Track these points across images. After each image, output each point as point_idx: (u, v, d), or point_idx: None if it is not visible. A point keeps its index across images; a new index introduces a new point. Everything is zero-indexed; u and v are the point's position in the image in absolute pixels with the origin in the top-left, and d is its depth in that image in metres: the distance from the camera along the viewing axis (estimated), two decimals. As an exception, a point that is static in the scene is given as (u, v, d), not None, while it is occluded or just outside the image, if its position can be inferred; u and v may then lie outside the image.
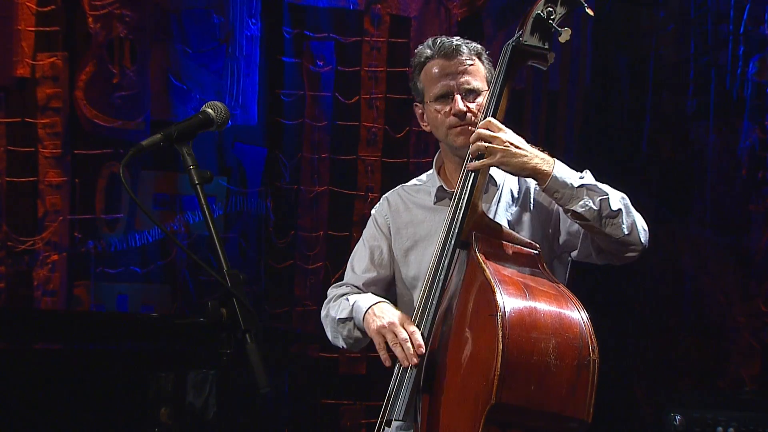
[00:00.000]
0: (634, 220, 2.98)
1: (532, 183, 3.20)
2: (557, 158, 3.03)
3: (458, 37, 3.24)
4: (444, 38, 3.23)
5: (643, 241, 3.01)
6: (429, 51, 3.22)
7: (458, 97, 3.15)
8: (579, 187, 2.96)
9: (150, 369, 4.46)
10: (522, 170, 2.95)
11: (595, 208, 2.94)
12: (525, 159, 2.94)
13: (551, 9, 3.08)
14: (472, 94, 3.16)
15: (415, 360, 2.89)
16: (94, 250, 5.90)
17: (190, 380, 4.48)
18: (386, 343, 2.97)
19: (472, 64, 3.18)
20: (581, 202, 2.94)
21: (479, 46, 3.23)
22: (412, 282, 3.27)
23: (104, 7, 5.94)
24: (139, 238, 5.95)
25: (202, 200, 2.45)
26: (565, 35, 3.06)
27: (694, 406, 5.00)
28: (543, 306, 2.78)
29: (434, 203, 3.27)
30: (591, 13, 3.12)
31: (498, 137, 2.95)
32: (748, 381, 5.76)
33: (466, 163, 3.02)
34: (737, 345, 5.84)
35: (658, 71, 6.09)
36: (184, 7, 6.09)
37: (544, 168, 2.95)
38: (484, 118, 3.06)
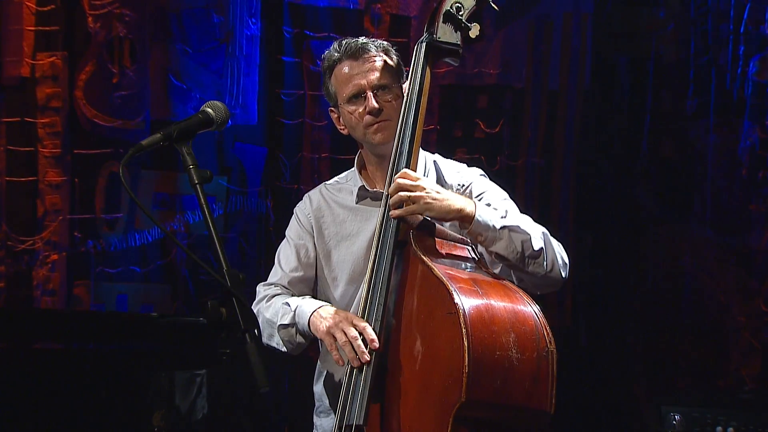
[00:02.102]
0: (554, 256, 3.00)
1: (454, 181, 3.21)
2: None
3: (364, 37, 3.26)
4: (350, 39, 3.24)
5: (563, 276, 3.03)
6: (336, 54, 3.23)
7: (370, 95, 3.16)
8: (501, 228, 2.95)
9: (149, 369, 4.46)
10: (447, 214, 2.95)
11: (519, 250, 2.95)
12: (448, 203, 2.94)
13: (459, 5, 3.11)
14: (383, 90, 3.17)
15: (366, 357, 2.87)
16: (93, 249, 5.90)
17: (189, 380, 4.47)
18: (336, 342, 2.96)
19: (380, 61, 3.19)
20: (504, 245, 2.94)
21: (386, 42, 3.26)
22: (334, 282, 3.26)
23: (104, 6, 5.94)
24: (139, 238, 5.95)
25: (202, 200, 2.45)
26: (474, 30, 3.11)
27: (693, 405, 4.99)
28: (497, 301, 2.81)
29: (356, 203, 3.28)
30: (496, 8, 3.16)
31: (418, 185, 2.95)
32: (748, 381, 5.76)
33: (388, 211, 3.00)
34: (737, 345, 5.84)
35: (658, 71, 6.08)
36: (184, 6, 6.09)
37: (468, 210, 2.94)
38: (404, 118, 3.08)
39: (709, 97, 5.97)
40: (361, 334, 2.91)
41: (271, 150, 6.18)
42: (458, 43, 3.12)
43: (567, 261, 3.04)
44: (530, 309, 2.83)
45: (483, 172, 3.28)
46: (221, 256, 2.38)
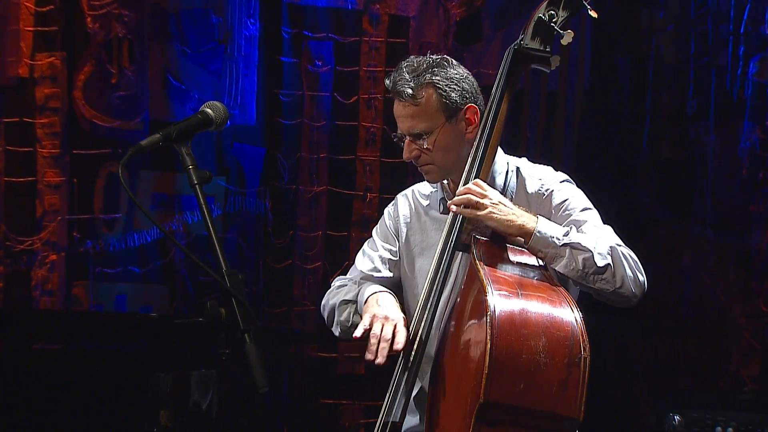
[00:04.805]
0: (624, 271, 2.92)
1: (534, 188, 3.17)
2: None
3: (415, 66, 3.14)
4: (399, 72, 3.14)
5: (634, 292, 2.95)
6: (389, 84, 3.16)
7: (406, 145, 3.14)
8: (562, 246, 2.92)
9: (148, 369, 4.46)
10: (509, 227, 2.94)
11: (579, 268, 2.91)
12: (512, 217, 2.94)
13: (553, 12, 3.06)
14: (419, 137, 3.11)
15: (380, 360, 2.91)
16: (92, 250, 5.90)
17: (190, 381, 4.47)
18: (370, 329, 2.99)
19: (417, 106, 3.10)
20: (564, 262, 2.91)
21: (437, 74, 3.12)
22: (413, 290, 3.26)
23: (103, 7, 5.94)
24: (138, 238, 5.95)
25: (201, 200, 2.44)
26: (567, 38, 3.03)
27: (693, 406, 4.99)
28: (535, 305, 2.79)
29: (441, 212, 3.26)
30: (594, 15, 3.10)
31: (487, 194, 2.95)
32: (748, 381, 5.75)
33: (452, 222, 3.02)
34: (737, 345, 5.84)
35: (658, 71, 6.08)
36: (183, 7, 6.08)
37: (529, 226, 2.93)
38: (485, 121, 3.05)
39: (709, 97, 5.96)
40: (393, 337, 2.95)
41: (269, 150, 6.18)
42: (548, 50, 3.06)
43: (641, 278, 2.96)
44: (570, 314, 2.80)
45: (567, 178, 3.21)
46: (220, 256, 2.37)
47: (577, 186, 3.19)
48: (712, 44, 5.98)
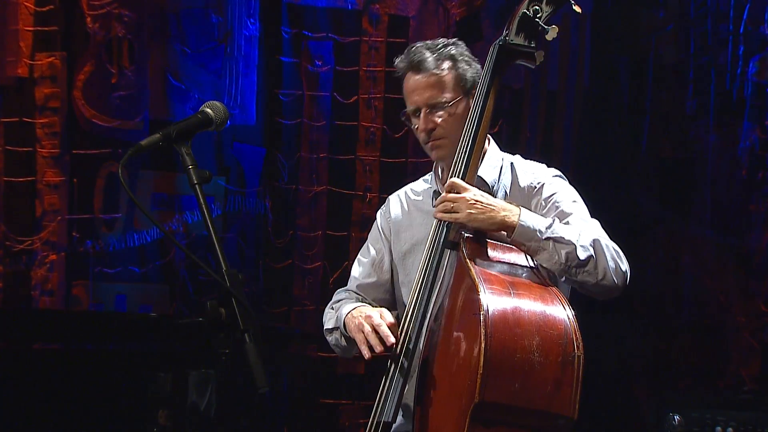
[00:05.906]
0: (607, 263, 2.94)
1: (527, 182, 3.19)
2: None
3: (430, 44, 3.19)
4: (415, 49, 3.17)
5: (618, 283, 2.96)
6: (402, 64, 3.19)
7: (423, 115, 3.14)
8: (545, 239, 2.92)
9: (148, 369, 4.46)
10: (491, 225, 2.94)
11: (562, 261, 2.91)
12: (492, 213, 2.93)
13: (537, 7, 3.06)
14: (437, 108, 3.13)
15: (391, 340, 2.93)
16: (92, 249, 5.90)
17: (189, 380, 4.48)
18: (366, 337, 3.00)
19: (438, 77, 3.14)
20: (547, 255, 2.92)
21: (454, 50, 3.18)
22: (408, 286, 3.24)
23: (103, 6, 5.94)
24: (138, 238, 5.95)
25: (201, 200, 2.44)
26: (552, 33, 3.04)
27: (693, 406, 5.00)
28: (527, 304, 2.79)
29: (433, 205, 3.26)
30: (578, 9, 3.10)
31: (462, 197, 2.94)
32: (748, 381, 5.76)
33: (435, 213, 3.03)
34: (737, 345, 5.84)
35: (658, 71, 6.08)
36: (183, 6, 6.09)
37: (511, 219, 2.93)
38: (469, 119, 3.06)
39: (709, 97, 5.96)
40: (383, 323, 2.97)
41: (269, 150, 6.18)
42: (533, 46, 3.07)
43: (624, 268, 2.98)
44: (563, 313, 2.80)
45: (560, 174, 3.23)
46: (220, 256, 2.37)
47: (577, 185, 3.20)
48: (711, 44, 5.98)
